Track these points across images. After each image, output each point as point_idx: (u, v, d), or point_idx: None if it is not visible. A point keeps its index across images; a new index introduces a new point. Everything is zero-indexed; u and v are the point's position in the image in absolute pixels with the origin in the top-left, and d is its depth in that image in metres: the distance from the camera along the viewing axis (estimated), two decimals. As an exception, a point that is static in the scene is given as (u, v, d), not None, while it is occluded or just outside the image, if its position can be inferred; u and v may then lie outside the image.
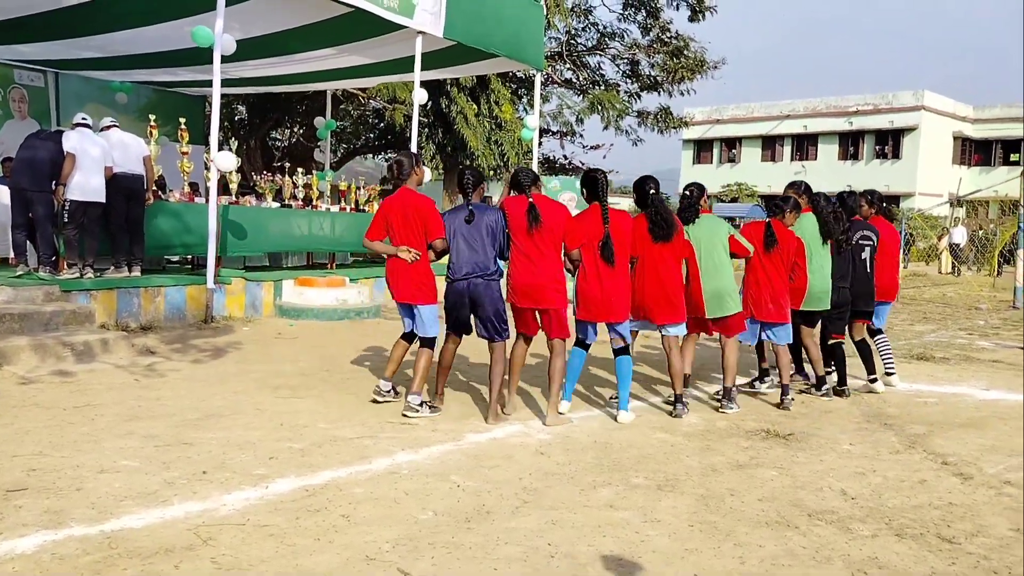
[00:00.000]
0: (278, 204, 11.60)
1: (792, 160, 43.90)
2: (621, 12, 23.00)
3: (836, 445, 5.21)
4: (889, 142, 40.80)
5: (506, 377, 5.72)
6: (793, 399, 6.24)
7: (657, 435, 5.32)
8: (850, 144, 42.14)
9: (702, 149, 47.11)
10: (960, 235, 24.99)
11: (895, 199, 39.52)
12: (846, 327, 6.83)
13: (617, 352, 5.68)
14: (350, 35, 11.27)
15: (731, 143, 45.97)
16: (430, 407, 5.63)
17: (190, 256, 10.68)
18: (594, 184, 5.57)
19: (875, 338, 7.15)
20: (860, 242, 6.70)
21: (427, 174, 12.76)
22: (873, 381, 6.86)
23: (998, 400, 6.71)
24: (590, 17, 23.21)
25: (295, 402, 5.89)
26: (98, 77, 14.35)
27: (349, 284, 11.08)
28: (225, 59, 9.20)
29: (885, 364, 7.14)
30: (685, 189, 6.26)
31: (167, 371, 6.81)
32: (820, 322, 6.71)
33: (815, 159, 43.15)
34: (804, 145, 43.67)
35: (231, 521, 3.60)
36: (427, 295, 5.64)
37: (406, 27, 10.68)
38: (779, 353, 6.30)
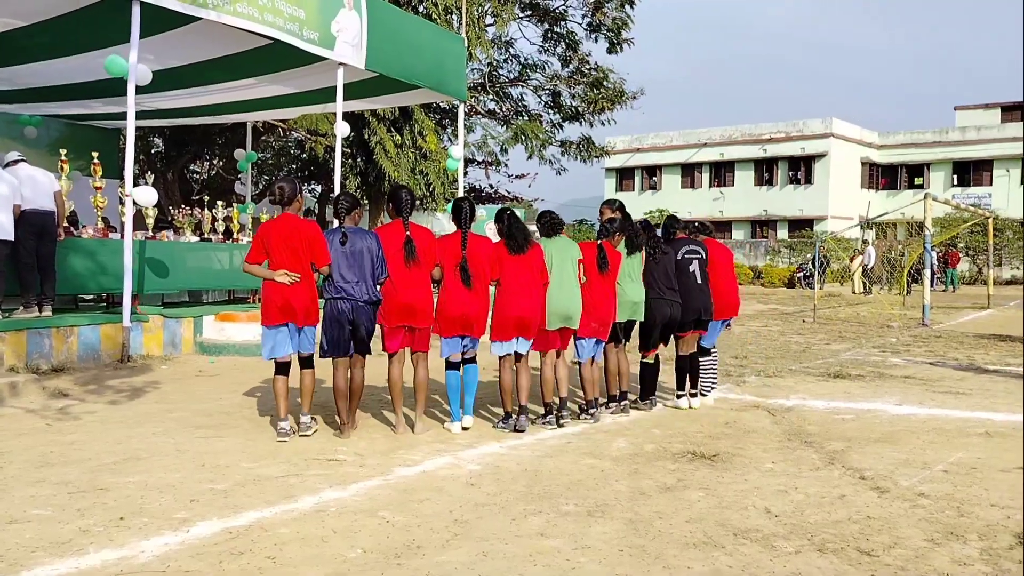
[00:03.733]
0: (197, 238, 11.35)
1: (710, 187, 45.23)
2: (541, 45, 23.46)
3: (759, 464, 5.33)
4: (801, 168, 42.43)
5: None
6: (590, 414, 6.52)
7: (586, 461, 5.36)
8: (765, 170, 43.67)
9: (624, 177, 48.14)
10: (869, 256, 26.03)
11: (809, 222, 41.04)
12: (660, 343, 6.94)
13: (464, 362, 6.10)
14: (270, 66, 11.18)
15: (652, 171, 47.11)
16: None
17: (105, 294, 10.33)
18: (458, 212, 6.01)
19: (703, 359, 7.17)
20: (686, 256, 6.88)
21: None
22: (680, 397, 7.03)
23: (910, 415, 6.98)
24: (511, 49, 23.63)
25: (217, 441, 5.73)
26: (5, 110, 13.85)
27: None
28: (140, 90, 8.98)
29: (703, 384, 7.19)
30: (543, 214, 6.51)
31: (81, 414, 6.55)
32: (647, 337, 6.83)
33: (732, 185, 44.56)
34: (722, 172, 45.07)
35: (150, 568, 3.48)
36: (311, 317, 5.84)
37: (327, 59, 10.66)
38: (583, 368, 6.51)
